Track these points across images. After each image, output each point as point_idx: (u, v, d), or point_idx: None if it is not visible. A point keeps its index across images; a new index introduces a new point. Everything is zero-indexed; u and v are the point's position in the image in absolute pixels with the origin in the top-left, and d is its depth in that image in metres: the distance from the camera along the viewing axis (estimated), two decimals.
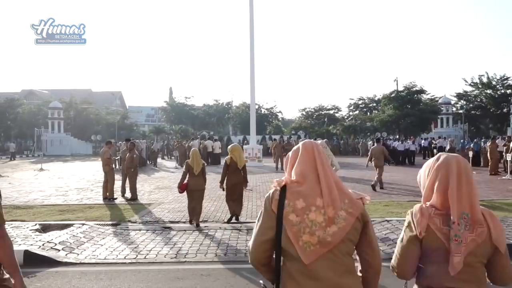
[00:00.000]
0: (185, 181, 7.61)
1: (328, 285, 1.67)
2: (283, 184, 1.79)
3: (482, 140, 24.72)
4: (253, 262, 1.82)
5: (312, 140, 2.14)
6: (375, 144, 13.70)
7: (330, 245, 1.68)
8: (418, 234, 1.77)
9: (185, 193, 7.69)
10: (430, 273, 1.79)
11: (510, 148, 15.67)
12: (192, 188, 7.51)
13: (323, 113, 52.47)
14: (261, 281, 1.92)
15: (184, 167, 7.86)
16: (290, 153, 1.95)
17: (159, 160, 27.96)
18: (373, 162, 12.91)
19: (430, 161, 1.94)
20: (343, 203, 1.74)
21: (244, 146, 25.01)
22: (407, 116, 39.55)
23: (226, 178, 7.82)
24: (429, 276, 1.79)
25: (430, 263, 1.79)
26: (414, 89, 41.63)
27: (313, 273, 1.67)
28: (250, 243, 1.82)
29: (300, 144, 1.94)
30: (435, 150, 23.92)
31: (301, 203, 1.73)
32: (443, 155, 1.89)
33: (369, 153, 13.57)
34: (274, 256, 1.78)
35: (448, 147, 23.81)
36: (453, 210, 1.74)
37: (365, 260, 1.77)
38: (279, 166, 20.20)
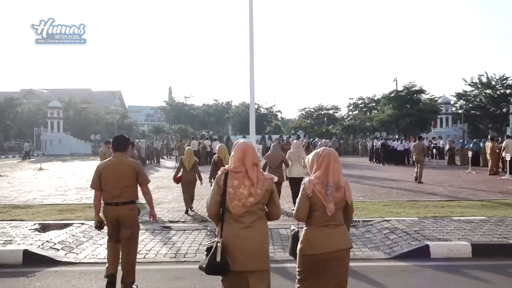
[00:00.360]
0: (179, 175, 8.95)
1: (247, 225, 2.98)
2: (226, 171, 3.05)
3: (482, 140, 24.71)
4: (209, 215, 3.14)
5: (246, 141, 3.25)
6: (417, 141, 15.29)
7: (248, 207, 2.98)
8: (308, 194, 3.03)
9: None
10: (314, 216, 3.07)
11: (502, 148, 15.74)
12: (185, 181, 8.85)
13: (322, 113, 52.46)
14: (208, 227, 4.52)
15: (178, 162, 9.25)
16: (233, 149, 3.13)
17: None
18: (414, 157, 14.70)
19: (318, 151, 3.20)
20: (259, 184, 3.01)
21: None
22: (406, 116, 39.59)
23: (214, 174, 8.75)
24: (313, 218, 3.07)
25: (314, 210, 3.06)
26: (414, 89, 41.67)
27: (239, 219, 2.99)
28: (207, 204, 3.10)
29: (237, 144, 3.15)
30: (434, 150, 23.92)
31: (236, 182, 2.99)
32: (326, 149, 3.21)
33: (412, 150, 15.97)
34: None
35: (447, 147, 23.87)
36: (330, 180, 3.04)
37: (272, 213, 3.14)
38: None
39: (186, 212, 8.72)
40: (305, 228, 3.13)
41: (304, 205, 3.06)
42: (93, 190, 4.62)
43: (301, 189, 3.11)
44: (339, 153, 22.77)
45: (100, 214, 4.55)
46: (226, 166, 3.13)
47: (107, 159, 4.74)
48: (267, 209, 3.13)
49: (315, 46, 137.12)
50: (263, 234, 3.05)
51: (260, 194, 3.00)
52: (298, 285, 3.13)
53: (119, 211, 4.41)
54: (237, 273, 2.96)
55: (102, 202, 4.55)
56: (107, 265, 4.55)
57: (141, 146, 23.93)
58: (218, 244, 2.96)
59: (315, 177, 3.08)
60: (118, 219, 4.43)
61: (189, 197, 8.84)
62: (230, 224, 2.99)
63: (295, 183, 8.73)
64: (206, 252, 3.03)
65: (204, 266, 2.99)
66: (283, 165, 9.07)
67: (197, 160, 9.28)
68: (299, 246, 3.11)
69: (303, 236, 3.11)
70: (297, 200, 3.13)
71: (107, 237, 4.71)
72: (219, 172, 3.09)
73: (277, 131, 45.96)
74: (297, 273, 3.15)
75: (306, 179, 3.13)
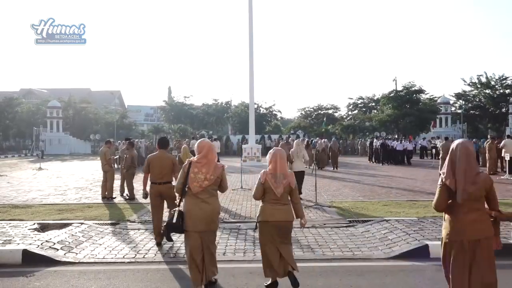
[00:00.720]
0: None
1: (202, 200, 4.19)
2: (190, 161, 4.29)
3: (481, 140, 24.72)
4: (176, 191, 4.36)
5: (208, 140, 4.53)
6: (444, 142, 17.16)
7: (204, 188, 4.19)
8: (262, 182, 4.27)
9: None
10: (266, 196, 4.30)
11: (501, 147, 15.75)
12: None
13: (322, 112, 52.44)
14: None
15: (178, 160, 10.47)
16: (199, 146, 4.37)
17: None
18: (441, 156, 15.85)
19: (271, 151, 4.44)
20: (213, 171, 4.24)
21: (243, 146, 25.07)
22: (406, 115, 39.59)
23: None
24: (266, 197, 4.30)
25: (266, 193, 4.28)
26: (413, 88, 41.67)
27: (197, 195, 4.19)
28: (176, 185, 4.34)
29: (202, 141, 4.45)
30: (433, 150, 23.92)
31: (196, 170, 4.21)
32: (276, 149, 4.46)
33: (439, 149, 17.39)
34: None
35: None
36: (277, 171, 4.27)
37: (221, 190, 4.42)
38: None
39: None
40: (261, 205, 4.39)
41: (259, 189, 4.31)
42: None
43: (258, 178, 4.37)
44: (339, 153, 23.07)
45: (147, 189, 6.51)
46: (191, 158, 4.41)
47: (154, 153, 6.57)
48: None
49: (315, 46, 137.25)
50: (213, 207, 4.28)
51: (213, 180, 4.25)
52: (260, 244, 4.44)
53: (161, 188, 6.28)
54: (194, 233, 4.21)
55: (148, 181, 6.41)
56: (153, 227, 6.47)
57: (140, 146, 23.93)
58: (176, 210, 4.27)
59: (268, 169, 4.35)
60: (161, 193, 6.32)
61: None
62: (191, 198, 4.23)
63: (296, 176, 9.31)
64: (169, 219, 4.36)
65: (165, 226, 4.38)
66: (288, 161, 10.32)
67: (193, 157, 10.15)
68: (257, 217, 4.39)
69: (259, 210, 4.39)
70: (255, 185, 4.38)
71: (107, 237, 4.69)
72: (185, 162, 4.36)
73: (277, 131, 45.93)
74: (259, 237, 4.45)
75: (262, 171, 4.37)
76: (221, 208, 4.66)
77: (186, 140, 26.94)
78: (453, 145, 3.24)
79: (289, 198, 4.35)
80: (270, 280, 4.43)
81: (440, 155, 16.20)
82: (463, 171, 3.10)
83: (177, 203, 4.29)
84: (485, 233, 3.16)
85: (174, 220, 4.19)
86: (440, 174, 3.23)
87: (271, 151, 4.47)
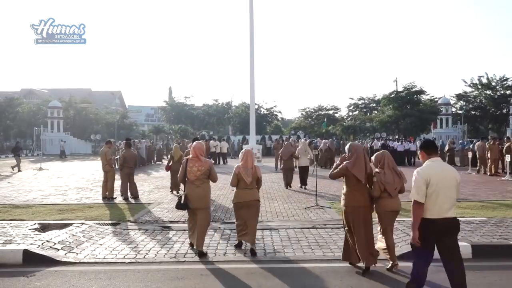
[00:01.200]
0: (170, 164, 11.58)
1: (196, 185, 5.86)
2: (187, 158, 6.03)
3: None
4: (179, 180, 6.18)
5: (201, 141, 6.27)
6: (480, 142, 18.57)
7: (197, 176, 5.85)
8: (236, 173, 5.88)
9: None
10: (240, 184, 5.90)
11: (507, 148, 15.67)
12: (174, 169, 11.10)
13: (322, 113, 52.44)
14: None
15: (169, 156, 12.38)
16: (192, 146, 6.13)
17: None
18: (477, 155, 17.92)
19: (243, 151, 6.15)
20: (203, 165, 5.88)
21: (244, 146, 25.12)
22: (406, 116, 39.53)
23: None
24: (239, 185, 5.91)
25: (240, 181, 5.88)
26: (414, 89, 41.60)
27: (193, 182, 5.88)
28: (179, 175, 6.09)
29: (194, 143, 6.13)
30: None
31: (191, 165, 5.88)
32: (245, 149, 6.19)
33: (475, 150, 18.70)
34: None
35: (447, 148, 23.86)
36: (248, 165, 5.89)
37: (211, 179, 6.01)
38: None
39: (171, 191, 11.70)
40: (235, 190, 5.95)
41: (235, 178, 5.87)
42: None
43: (233, 170, 5.88)
44: (339, 153, 23.16)
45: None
46: (188, 156, 6.07)
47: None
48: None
49: (315, 47, 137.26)
50: (205, 190, 5.92)
51: (203, 170, 5.83)
52: (234, 220, 6.11)
53: None
54: (192, 209, 5.85)
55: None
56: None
57: (140, 146, 23.87)
58: (184, 194, 5.88)
59: (241, 164, 5.91)
60: None
61: (174, 183, 11.50)
62: (189, 185, 5.86)
63: (302, 170, 12.90)
64: (178, 199, 5.97)
65: (176, 205, 5.98)
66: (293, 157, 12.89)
67: (182, 154, 11.24)
68: (233, 200, 6.01)
69: (234, 194, 5.97)
70: (232, 176, 5.92)
71: (108, 237, 4.73)
72: (184, 159, 6.07)
73: (277, 132, 45.90)
74: (234, 214, 6.07)
75: (236, 165, 5.96)
76: (211, 191, 6.20)
77: (186, 140, 27.03)
78: (351, 146, 5.31)
79: (255, 184, 5.93)
80: (237, 241, 6.14)
81: (477, 155, 17.64)
82: (363, 163, 5.09)
83: (182, 189, 6.05)
84: (364, 203, 5.12)
85: (183, 201, 5.83)
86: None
87: (242, 151, 6.14)
